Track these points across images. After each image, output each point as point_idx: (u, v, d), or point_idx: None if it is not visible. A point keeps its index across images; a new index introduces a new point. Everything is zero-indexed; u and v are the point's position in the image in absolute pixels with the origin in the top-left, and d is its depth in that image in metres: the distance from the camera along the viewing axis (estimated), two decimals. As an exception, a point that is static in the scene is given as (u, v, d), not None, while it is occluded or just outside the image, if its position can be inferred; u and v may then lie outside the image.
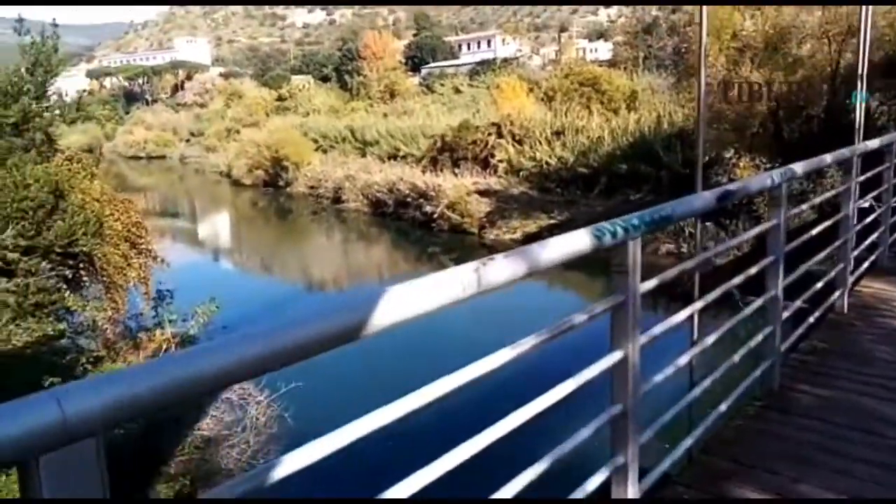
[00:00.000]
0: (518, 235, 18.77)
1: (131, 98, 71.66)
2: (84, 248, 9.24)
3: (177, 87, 69.69)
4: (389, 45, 55.82)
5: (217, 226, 29.12)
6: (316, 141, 34.74)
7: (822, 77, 13.91)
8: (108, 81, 78.38)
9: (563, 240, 1.49)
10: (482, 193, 21.75)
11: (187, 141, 53.54)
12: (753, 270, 2.44)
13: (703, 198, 2.01)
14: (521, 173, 23.17)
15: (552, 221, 19.00)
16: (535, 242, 1.39)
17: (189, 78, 70.54)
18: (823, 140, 12.99)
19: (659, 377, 1.84)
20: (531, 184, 22.44)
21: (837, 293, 4.19)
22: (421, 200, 21.79)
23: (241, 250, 24.06)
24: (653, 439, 1.80)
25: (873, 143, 4.61)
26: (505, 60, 48.08)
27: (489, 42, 62.31)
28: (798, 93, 14.25)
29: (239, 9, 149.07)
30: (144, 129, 57.08)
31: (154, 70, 74.79)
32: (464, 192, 21.16)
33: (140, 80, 74.29)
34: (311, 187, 28.65)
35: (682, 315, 1.89)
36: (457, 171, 24.58)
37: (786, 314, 2.86)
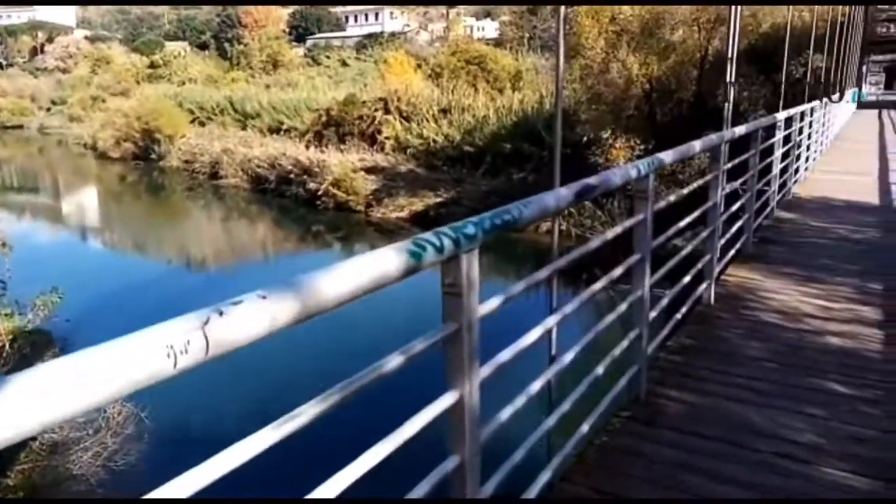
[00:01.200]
0: (405, 214, 18.57)
1: (-19, 60, 64.87)
2: None
3: (36, 50, 63.57)
4: (273, 13, 53.48)
5: (81, 202, 26.85)
6: (192, 112, 32.89)
7: (693, 62, 14.47)
8: (-48, 40, 70.55)
9: (362, 264, 1.07)
10: (369, 171, 21.30)
11: (48, 110, 49.09)
12: (618, 271, 2.26)
13: (559, 195, 1.75)
14: (408, 151, 22.94)
15: (438, 199, 18.90)
16: (321, 270, 1.01)
17: (50, 40, 64.54)
18: (692, 123, 13.56)
19: (506, 413, 1.56)
20: (418, 161, 22.23)
21: (704, 285, 4.11)
22: (304, 177, 21.04)
23: (108, 229, 22.30)
24: (504, 481, 1.56)
25: (740, 130, 4.62)
26: (392, 35, 47.32)
27: (377, 15, 61.05)
28: (670, 77, 14.77)
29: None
30: (-2, 95, 51.80)
31: (9, 30, 67.82)
32: (349, 169, 20.62)
33: (-8, 41, 67.34)
34: (186, 161, 27.02)
35: (533, 334, 1.64)
36: (343, 147, 23.98)
37: (653, 314, 2.76)
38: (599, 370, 2.15)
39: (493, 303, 1.47)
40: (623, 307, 2.34)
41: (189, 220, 22.56)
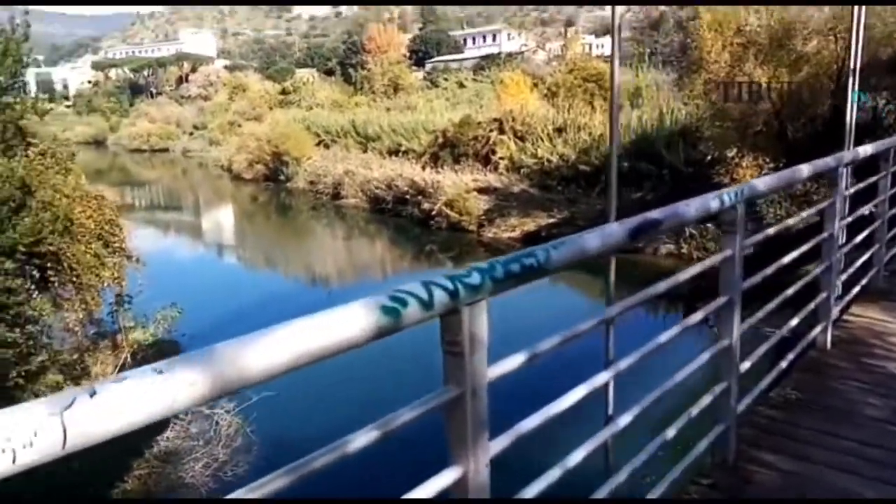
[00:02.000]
0: (517, 234, 18.44)
1: (136, 90, 71.45)
2: (51, 247, 8.88)
3: (181, 80, 69.37)
4: (394, 38, 55.25)
5: (217, 221, 28.82)
6: (318, 135, 34.40)
7: (828, 75, 13.36)
8: (113, 73, 78.24)
9: (310, 326, 0.89)
10: (482, 191, 21.38)
11: (190, 134, 53.21)
12: (697, 317, 1.97)
13: (607, 234, 1.48)
14: (521, 170, 22.79)
15: (551, 220, 18.62)
16: (249, 336, 0.84)
17: (194, 70, 70.17)
18: (828, 139, 12.48)
19: (536, 489, 1.28)
20: (532, 181, 22.03)
21: (819, 327, 3.59)
22: (419, 197, 21.44)
23: (239, 246, 23.77)
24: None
25: (866, 149, 4.06)
26: (509, 55, 47.47)
27: (494, 36, 61.61)
28: (802, 91, 13.71)
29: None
30: (148, 121, 56.78)
31: (159, 62, 74.50)
32: (462, 189, 20.78)
33: (145, 72, 74.06)
34: (311, 182, 28.28)
35: (574, 395, 1.38)
36: (457, 167, 24.20)
37: (747, 364, 2.41)
38: (671, 432, 1.87)
39: (510, 363, 1.26)
40: (705, 357, 2.04)
41: (312, 238, 23.57)
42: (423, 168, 24.54)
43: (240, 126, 42.32)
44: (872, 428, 2.83)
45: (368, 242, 22.07)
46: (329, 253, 21.36)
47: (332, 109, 41.71)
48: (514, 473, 1.37)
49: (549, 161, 22.21)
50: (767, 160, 14.27)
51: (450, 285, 1.06)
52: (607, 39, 57.54)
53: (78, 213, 9.51)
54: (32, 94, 13.02)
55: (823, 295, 3.58)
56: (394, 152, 29.41)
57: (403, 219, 21.66)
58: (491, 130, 24.97)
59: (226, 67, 71.61)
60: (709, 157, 16.05)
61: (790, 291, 2.98)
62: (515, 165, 23.22)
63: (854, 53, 4.32)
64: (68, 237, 9.15)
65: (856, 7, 4.27)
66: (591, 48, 53.84)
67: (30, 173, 9.04)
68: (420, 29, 64.80)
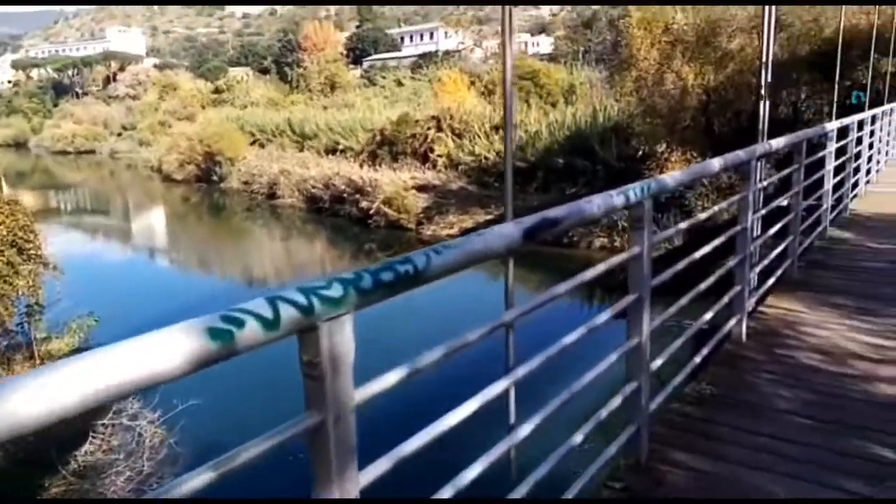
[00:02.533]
0: (455, 231, 18.44)
1: (60, 90, 68.42)
2: (-42, 257, 8.35)
3: (108, 79, 66.80)
4: (331, 36, 54.54)
5: (147, 223, 27.83)
6: (253, 134, 33.69)
7: (752, 71, 13.79)
8: (35, 72, 74.76)
9: (97, 362, 0.73)
10: (420, 188, 21.32)
11: (119, 135, 51.32)
12: (604, 317, 1.91)
13: (499, 236, 1.37)
14: (459, 167, 22.86)
15: (489, 217, 18.71)
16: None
17: (122, 69, 67.68)
18: (753, 134, 12.91)
19: None
20: (470, 178, 22.12)
21: (734, 320, 3.57)
22: (357, 196, 21.21)
23: (171, 249, 22.99)
24: None
25: (778, 143, 4.07)
26: (447, 53, 47.52)
27: (432, 34, 61.55)
28: (728, 87, 14.14)
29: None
30: (73, 122, 54.48)
31: (84, 61, 71.54)
32: (401, 187, 20.67)
33: (70, 72, 71.04)
34: (245, 183, 27.64)
35: (467, 408, 1.29)
36: (396, 165, 24.08)
37: (659, 361, 2.36)
38: (578, 437, 1.81)
39: (382, 383, 1.12)
40: (613, 357, 1.99)
41: (246, 239, 23.01)
42: (361, 166, 24.31)
43: (170, 126, 41.07)
44: (784, 422, 2.79)
45: (306, 242, 21.70)
46: (265, 254, 20.91)
47: (268, 108, 40.93)
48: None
49: (486, 158, 22.32)
50: (695, 154, 14.65)
51: (302, 300, 0.93)
52: (543, 38, 58.31)
53: (-13, 220, 8.97)
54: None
55: (738, 288, 3.56)
56: (331, 151, 29.05)
57: (341, 218, 21.39)
58: (429, 128, 24.93)
59: (156, 66, 69.33)
60: (640, 152, 16.38)
61: (703, 286, 2.93)
62: (453, 163, 23.26)
63: (764, 51, 4.39)
64: (-23, 245, 8.62)
65: (766, 7, 4.34)
66: (526, 46, 54.42)
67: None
68: (357, 27, 64.22)
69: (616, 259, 2.04)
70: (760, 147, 3.74)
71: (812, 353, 3.58)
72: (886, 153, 10.54)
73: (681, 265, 2.51)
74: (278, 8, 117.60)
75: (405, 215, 19.61)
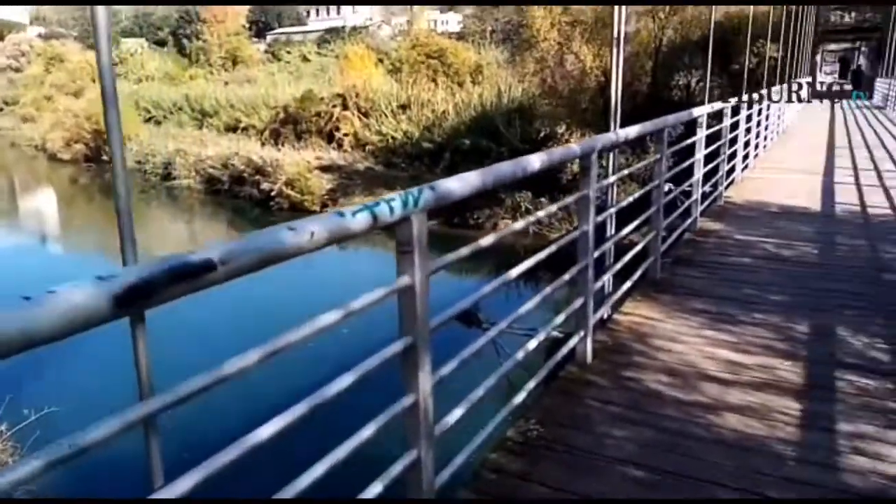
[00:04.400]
0: (361, 213, 18.12)
1: (-69, 60, 62.52)
2: None
3: (-14, 49, 61.56)
4: (232, 8, 52.25)
5: (28, 207, 25.92)
6: (148, 111, 32.01)
7: (647, 53, 14.13)
8: None
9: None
10: (325, 169, 20.81)
11: (0, 110, 47.49)
12: (347, 380, 1.57)
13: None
14: (366, 148, 22.51)
15: (395, 198, 18.49)
16: None
17: (1, 38, 62.55)
18: (648, 115, 13.22)
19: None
20: (377, 158, 21.81)
21: (577, 337, 3.19)
22: (258, 177, 20.45)
23: (59, 233, 21.55)
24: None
25: (628, 132, 3.74)
26: (354, 29, 46.50)
27: (339, 9, 60.06)
28: (624, 69, 14.37)
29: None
30: (-55, 95, 49.95)
31: (-42, 28, 65.66)
32: (304, 168, 20.08)
33: (-59, 39, 65.02)
34: (138, 162, 26.10)
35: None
36: (300, 144, 23.43)
37: (448, 423, 2.04)
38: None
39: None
40: (382, 420, 1.73)
41: (140, 223, 21.72)
42: (263, 146, 23.50)
43: (55, 101, 38.34)
44: (613, 477, 2.40)
45: (203, 226, 20.76)
46: (163, 238, 19.86)
47: (165, 83, 38.92)
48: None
49: (393, 138, 22.04)
50: (594, 136, 14.89)
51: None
52: (452, 15, 57.97)
53: None
54: None
55: (580, 301, 3.17)
56: (232, 129, 27.92)
57: (241, 200, 20.61)
58: (334, 106, 24.35)
59: (40, 36, 64.40)
60: (542, 134, 16.52)
61: (525, 307, 2.57)
62: (360, 143, 22.85)
63: (614, 53, 4.31)
64: None
65: (616, 7, 4.23)
66: (435, 24, 54.03)
67: None
68: (260, -1, 61.82)
69: (379, 293, 1.70)
70: (603, 139, 3.38)
71: (661, 376, 3.24)
72: (766, 137, 10.89)
73: (464, 304, 2.10)
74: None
75: (308, 197, 19.09)
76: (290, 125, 25.07)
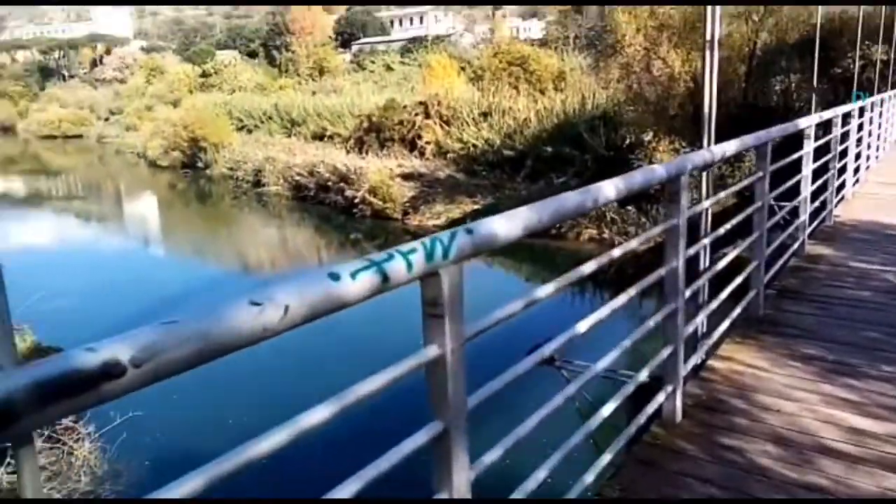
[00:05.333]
0: (441, 221, 18.17)
1: (47, 73, 67.49)
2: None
3: (95, 62, 65.89)
4: (319, 19, 53.80)
5: (131, 212, 27.49)
6: (241, 120, 33.33)
7: (740, 57, 13.58)
8: (20, 55, 73.67)
9: None
10: (407, 177, 21.02)
11: (106, 119, 50.68)
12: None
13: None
14: (448, 156, 22.57)
15: (476, 207, 18.45)
16: None
17: (108, 52, 66.76)
18: (742, 122, 12.69)
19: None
20: (458, 166, 21.84)
21: (664, 393, 2.72)
22: (342, 184, 20.89)
23: (160, 237, 22.78)
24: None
25: (725, 149, 3.18)
26: (437, 38, 46.99)
27: (422, 19, 60.72)
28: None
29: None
30: (59, 106, 53.74)
31: (70, 43, 70.53)
32: (386, 176, 20.36)
33: (56, 54, 70.03)
34: (231, 169, 27.29)
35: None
36: (383, 152, 23.79)
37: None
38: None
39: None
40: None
41: (231, 228, 22.71)
42: (348, 153, 24.03)
43: (155, 111, 40.59)
44: None
45: (292, 232, 21.42)
46: (256, 243, 20.59)
47: (256, 93, 40.44)
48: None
49: (474, 146, 22.05)
50: (684, 144, 14.44)
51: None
52: (534, 23, 57.68)
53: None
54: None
55: (668, 350, 2.69)
56: (319, 137, 28.73)
57: (326, 206, 21.12)
58: (416, 115, 24.60)
59: (142, 49, 68.44)
60: (628, 141, 16.16)
61: (600, 365, 2.20)
62: (441, 150, 22.98)
63: (707, 55, 3.93)
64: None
65: (708, 7, 3.84)
66: (518, 31, 53.88)
67: None
68: (346, 10, 63.38)
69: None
70: (694, 158, 2.78)
71: (767, 446, 2.65)
72: (878, 148, 10.00)
73: (521, 367, 1.75)
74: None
75: (390, 205, 19.33)
76: (374, 133, 25.49)
